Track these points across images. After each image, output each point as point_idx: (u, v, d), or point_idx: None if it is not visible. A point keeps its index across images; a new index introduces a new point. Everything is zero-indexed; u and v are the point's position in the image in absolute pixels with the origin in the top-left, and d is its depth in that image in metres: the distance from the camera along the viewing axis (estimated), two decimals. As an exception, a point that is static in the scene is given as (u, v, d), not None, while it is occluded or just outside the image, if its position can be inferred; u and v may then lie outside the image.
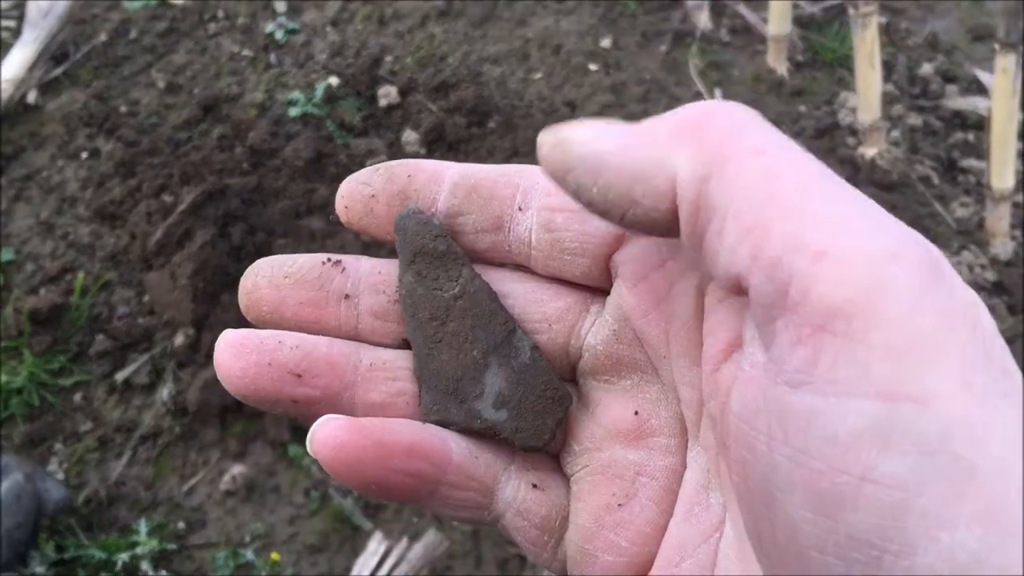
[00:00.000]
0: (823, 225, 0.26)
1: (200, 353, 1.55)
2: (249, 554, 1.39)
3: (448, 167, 0.38)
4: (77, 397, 1.55)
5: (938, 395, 0.24)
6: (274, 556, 1.38)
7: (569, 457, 0.37)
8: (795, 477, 0.26)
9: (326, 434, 0.33)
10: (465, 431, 0.36)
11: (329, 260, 0.37)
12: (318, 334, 0.37)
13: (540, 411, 0.37)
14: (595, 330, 0.37)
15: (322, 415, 0.34)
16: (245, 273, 0.37)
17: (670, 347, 0.34)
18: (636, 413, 0.36)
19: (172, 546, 1.40)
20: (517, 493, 0.36)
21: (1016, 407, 0.24)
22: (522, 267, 0.38)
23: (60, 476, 1.46)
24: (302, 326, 0.37)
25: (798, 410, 0.26)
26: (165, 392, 1.53)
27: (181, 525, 1.43)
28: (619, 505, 0.35)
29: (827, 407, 0.25)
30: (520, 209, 0.36)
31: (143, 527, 1.40)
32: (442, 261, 0.37)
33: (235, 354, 0.35)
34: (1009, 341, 1.52)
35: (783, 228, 0.26)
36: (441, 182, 0.37)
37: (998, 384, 0.24)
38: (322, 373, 0.36)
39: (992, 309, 1.57)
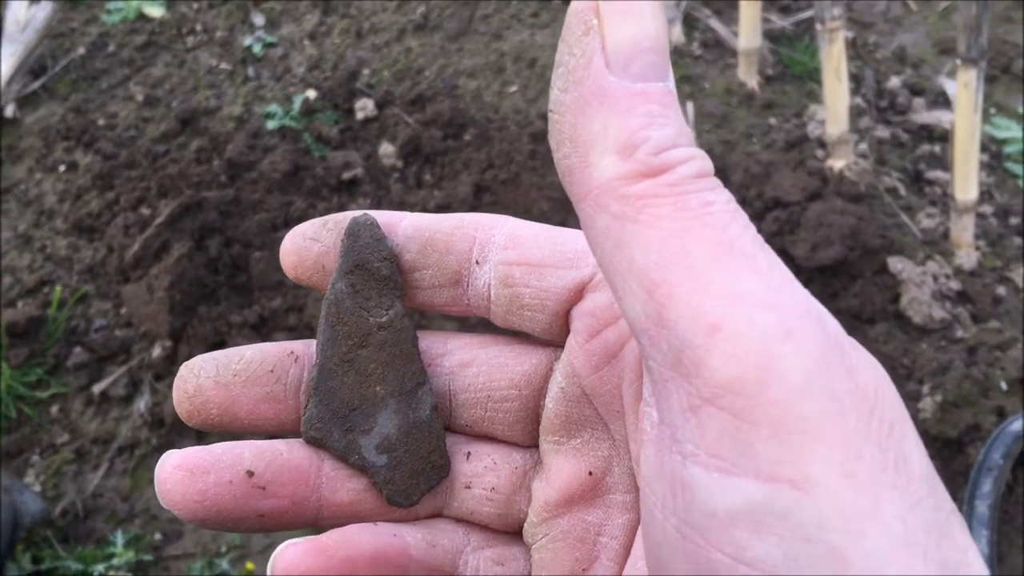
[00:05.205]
0: (723, 295, 0.25)
1: (177, 365, 1.56)
2: (225, 564, 1.40)
3: (401, 219, 0.36)
4: (54, 409, 1.56)
5: (818, 483, 0.23)
6: (249, 566, 1.40)
7: (530, 527, 0.36)
8: (679, 547, 0.26)
9: (289, 561, 0.32)
10: (337, 459, 0.35)
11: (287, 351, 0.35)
12: (275, 433, 0.34)
13: (417, 472, 0.35)
14: (548, 389, 0.35)
15: (288, 524, 0.33)
16: (180, 375, 0.34)
17: (622, 403, 0.33)
18: (590, 473, 0.34)
19: (148, 557, 1.41)
20: (478, 572, 0.35)
21: (904, 498, 0.24)
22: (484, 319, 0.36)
23: (37, 488, 1.47)
24: (258, 425, 0.34)
25: (686, 482, 0.25)
26: (142, 404, 1.55)
27: (158, 536, 1.44)
28: (583, 570, 0.34)
29: (709, 482, 0.25)
30: (478, 263, 0.35)
31: (120, 539, 1.41)
32: (381, 285, 0.35)
33: (189, 477, 0.31)
34: (972, 349, 1.56)
35: (685, 292, 0.25)
36: (394, 235, 0.35)
37: (886, 474, 0.24)
38: (287, 481, 0.33)
39: (956, 318, 1.61)
